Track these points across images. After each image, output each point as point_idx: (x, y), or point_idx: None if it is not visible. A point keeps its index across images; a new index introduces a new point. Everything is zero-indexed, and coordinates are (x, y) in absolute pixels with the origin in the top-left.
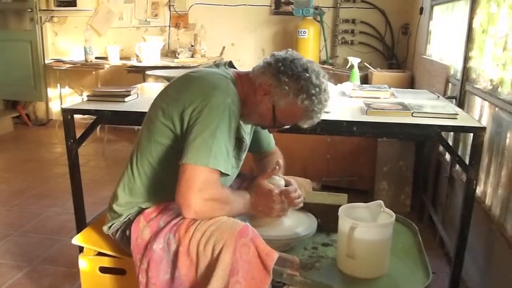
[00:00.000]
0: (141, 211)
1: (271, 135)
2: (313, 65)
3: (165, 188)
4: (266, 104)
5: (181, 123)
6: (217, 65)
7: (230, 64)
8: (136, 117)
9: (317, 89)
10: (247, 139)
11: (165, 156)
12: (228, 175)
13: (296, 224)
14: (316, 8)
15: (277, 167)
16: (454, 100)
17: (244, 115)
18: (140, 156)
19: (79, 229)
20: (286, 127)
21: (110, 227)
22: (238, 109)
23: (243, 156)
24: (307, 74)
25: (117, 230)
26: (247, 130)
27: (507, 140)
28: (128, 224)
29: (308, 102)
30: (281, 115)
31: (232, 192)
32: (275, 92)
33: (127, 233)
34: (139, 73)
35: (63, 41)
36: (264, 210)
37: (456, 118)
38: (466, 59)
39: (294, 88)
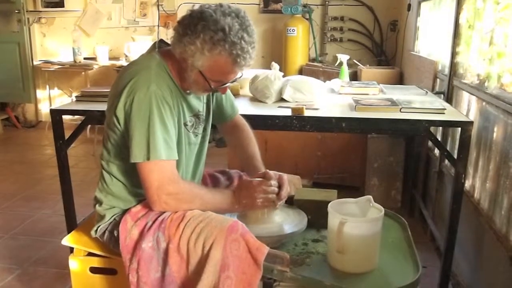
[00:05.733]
0: (126, 210)
1: (229, 100)
2: (210, 9)
3: (139, 187)
4: (192, 71)
5: (118, 121)
6: (149, 50)
7: (164, 42)
8: None
9: (220, 33)
10: (204, 109)
11: (124, 155)
12: (176, 159)
13: (286, 220)
14: (304, 6)
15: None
16: (442, 95)
17: (188, 88)
18: (107, 159)
19: (69, 231)
20: (230, 83)
21: (96, 230)
22: (169, 89)
23: (207, 126)
24: (204, 22)
25: (104, 232)
26: (202, 101)
27: (494, 134)
28: (115, 224)
29: (220, 50)
30: (210, 74)
31: (202, 187)
32: (188, 57)
33: (115, 234)
34: None
35: (51, 42)
36: (248, 203)
37: (444, 113)
38: (453, 54)
39: (199, 44)
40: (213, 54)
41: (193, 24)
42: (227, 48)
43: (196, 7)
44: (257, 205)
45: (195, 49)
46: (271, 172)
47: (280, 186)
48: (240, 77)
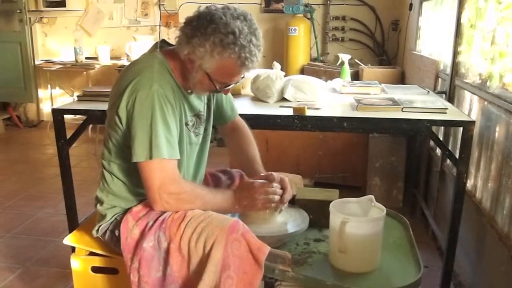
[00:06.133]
0: (127, 210)
1: (229, 102)
2: (219, 12)
3: (140, 186)
4: (198, 72)
5: (120, 121)
6: (150, 49)
7: (165, 42)
8: None
9: (231, 36)
10: (205, 109)
11: (125, 155)
12: (178, 158)
13: (288, 220)
14: (306, 5)
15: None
16: (444, 95)
17: (191, 88)
18: (108, 158)
19: (71, 230)
20: (234, 84)
21: (98, 230)
22: (171, 88)
23: (208, 126)
24: (214, 25)
25: (105, 231)
26: (203, 101)
27: (496, 134)
28: (116, 224)
29: (230, 52)
30: (217, 76)
31: (203, 188)
32: (197, 58)
33: (116, 233)
34: None
35: (53, 41)
36: (249, 203)
37: (445, 113)
38: (455, 54)
39: (208, 46)
40: (223, 57)
41: (203, 27)
42: (237, 51)
43: (202, 8)
44: (257, 207)
45: (204, 51)
46: (275, 174)
47: (282, 189)
48: (243, 77)
